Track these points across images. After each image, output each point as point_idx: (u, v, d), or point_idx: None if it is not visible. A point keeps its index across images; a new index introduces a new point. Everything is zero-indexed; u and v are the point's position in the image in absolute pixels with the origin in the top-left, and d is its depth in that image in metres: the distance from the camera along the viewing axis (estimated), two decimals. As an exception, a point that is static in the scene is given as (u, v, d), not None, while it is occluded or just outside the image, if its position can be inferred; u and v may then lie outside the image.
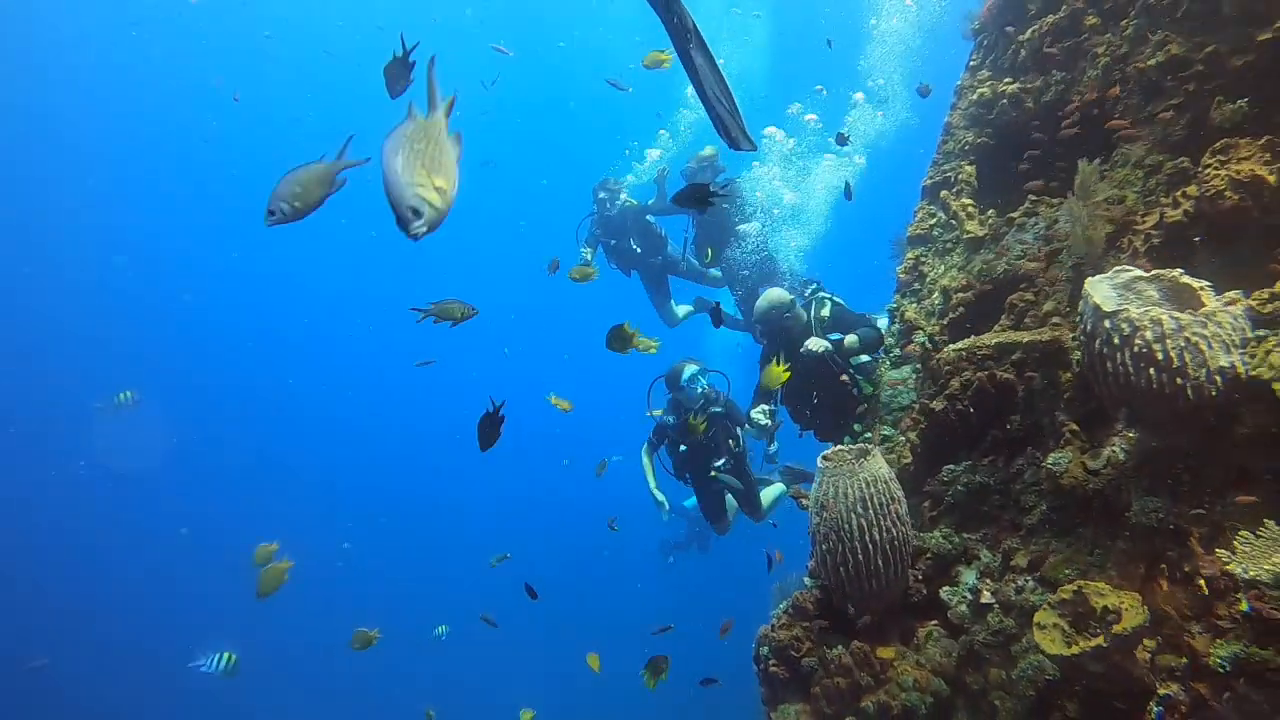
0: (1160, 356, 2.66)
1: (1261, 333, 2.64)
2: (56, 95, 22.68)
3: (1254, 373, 2.55)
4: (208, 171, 26.23)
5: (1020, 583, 3.22)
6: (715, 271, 7.58)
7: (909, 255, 5.07)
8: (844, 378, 5.04)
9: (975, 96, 5.05)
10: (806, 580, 3.81)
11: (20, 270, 23.13)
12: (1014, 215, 4.41)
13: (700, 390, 5.88)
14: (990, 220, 4.59)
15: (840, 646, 3.42)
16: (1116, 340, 2.77)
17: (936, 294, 4.68)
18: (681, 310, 8.03)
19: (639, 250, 7.35)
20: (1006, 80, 4.87)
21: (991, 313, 4.23)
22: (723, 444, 6.06)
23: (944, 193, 4.99)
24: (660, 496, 6.12)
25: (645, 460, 6.16)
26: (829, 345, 5.17)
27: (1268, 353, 2.54)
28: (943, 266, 4.83)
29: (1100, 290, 2.97)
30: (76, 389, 21.32)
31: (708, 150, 7.21)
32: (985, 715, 3.12)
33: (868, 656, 3.35)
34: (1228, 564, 2.30)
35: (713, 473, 6.02)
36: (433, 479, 23.60)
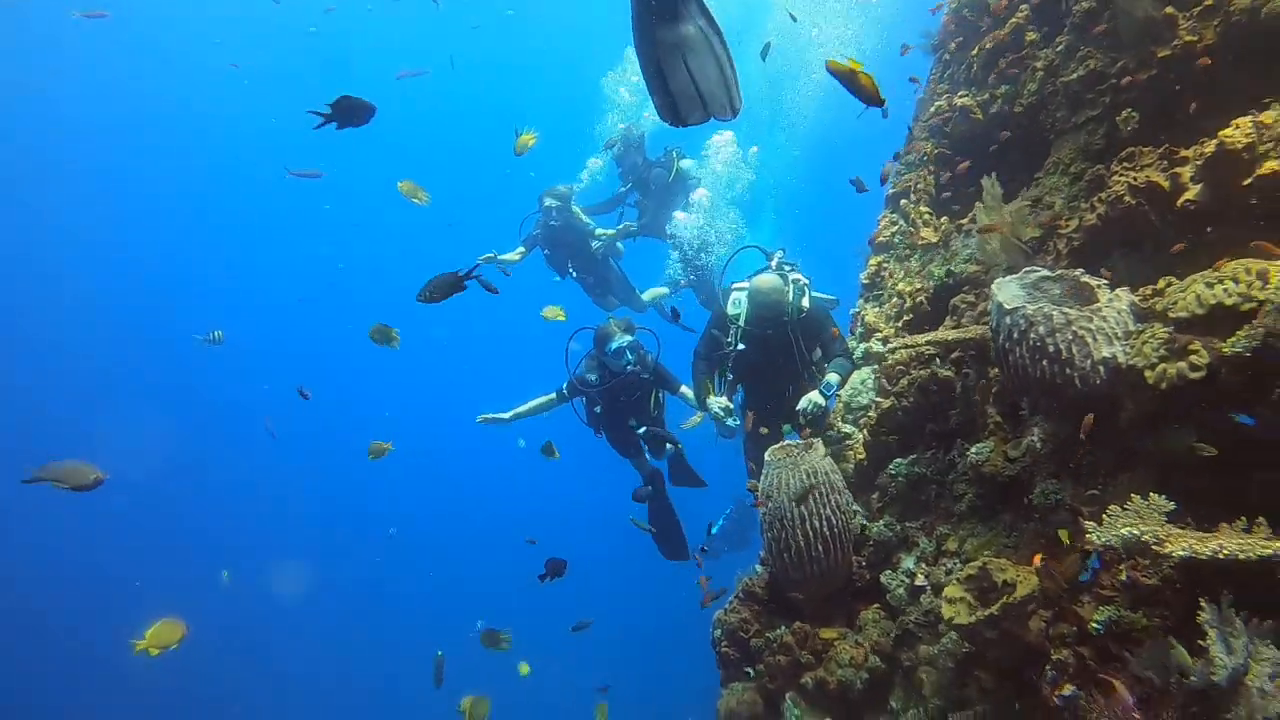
0: (1051, 349, 2.91)
1: (1142, 326, 2.86)
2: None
3: (1131, 362, 2.77)
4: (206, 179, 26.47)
5: (950, 566, 3.45)
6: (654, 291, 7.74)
7: (871, 261, 5.32)
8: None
9: (933, 109, 5.30)
10: (758, 567, 4.06)
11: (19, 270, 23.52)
12: (963, 222, 4.64)
13: (626, 363, 5.52)
14: (944, 227, 4.83)
15: (784, 627, 3.67)
16: (1015, 335, 3.02)
17: (894, 298, 4.93)
18: (650, 295, 7.88)
19: (573, 272, 7.40)
20: (960, 93, 5.11)
21: (942, 315, 4.47)
22: (645, 410, 5.82)
23: (904, 201, 5.23)
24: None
25: (540, 399, 5.86)
26: (823, 401, 4.71)
27: (1144, 343, 2.76)
28: (902, 272, 5.07)
29: (1006, 289, 3.22)
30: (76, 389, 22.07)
31: (623, 126, 7.39)
32: (916, 688, 3.36)
33: (809, 636, 3.60)
34: (1089, 534, 2.52)
35: (642, 435, 5.79)
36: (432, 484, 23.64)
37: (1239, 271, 2.64)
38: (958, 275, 4.36)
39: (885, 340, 4.60)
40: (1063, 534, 2.88)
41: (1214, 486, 2.61)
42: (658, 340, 5.80)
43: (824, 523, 3.62)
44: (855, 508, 4.13)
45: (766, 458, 3.83)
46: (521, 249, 7.23)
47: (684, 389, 5.65)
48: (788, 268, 5.06)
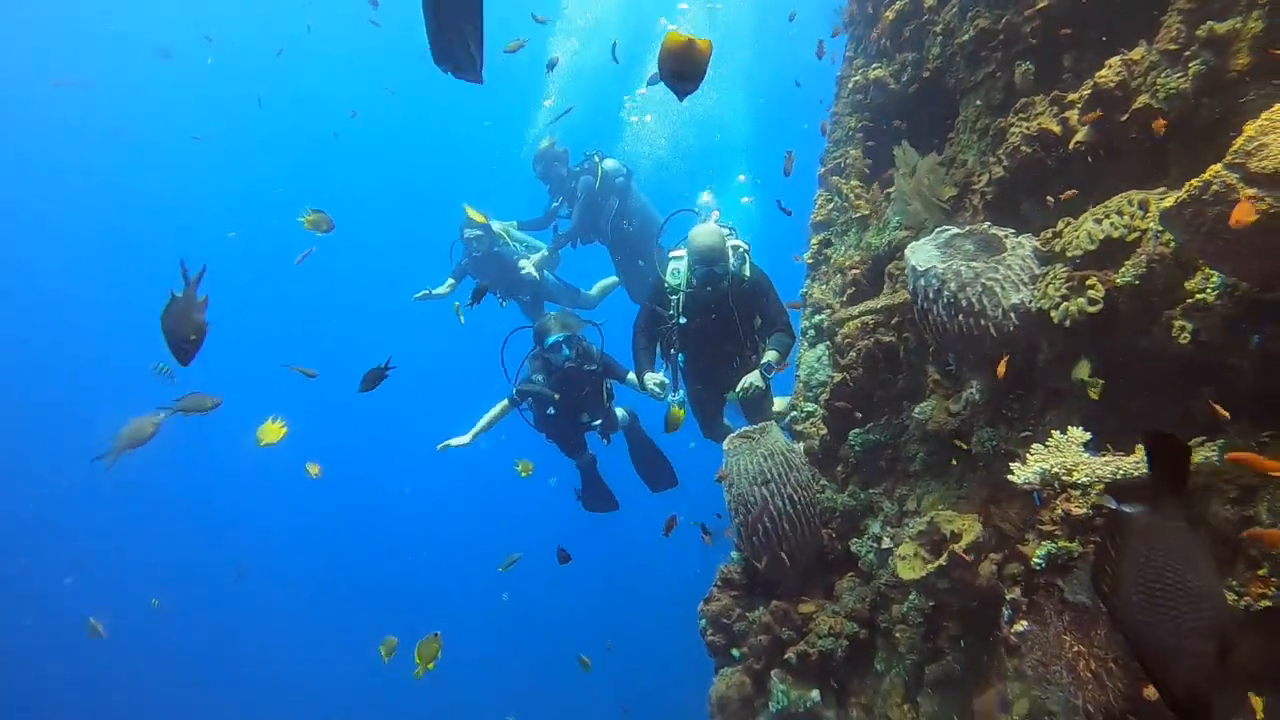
0: (964, 303, 3.02)
1: (1045, 269, 2.97)
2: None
3: (1038, 305, 2.88)
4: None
5: (911, 524, 3.55)
6: (589, 291, 7.71)
7: (813, 241, 5.44)
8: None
9: (851, 85, 5.43)
10: (733, 554, 4.17)
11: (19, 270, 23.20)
12: (890, 190, 4.76)
13: (565, 358, 5.34)
14: (874, 198, 4.95)
15: (761, 608, 3.77)
16: (930, 295, 3.13)
17: (837, 274, 5.04)
18: (598, 288, 7.83)
19: (502, 302, 7.38)
20: (874, 66, 5.23)
21: (881, 284, 4.58)
22: (599, 403, 5.66)
23: (835, 178, 5.35)
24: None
25: (494, 411, 5.61)
26: (761, 383, 4.50)
27: (1047, 285, 2.87)
28: (843, 247, 5.18)
29: (921, 252, 3.33)
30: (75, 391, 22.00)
31: (545, 142, 7.35)
32: (893, 647, 3.46)
33: (788, 613, 3.70)
34: (1011, 474, 2.63)
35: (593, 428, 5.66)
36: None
37: (1122, 205, 2.76)
38: (891, 244, 4.48)
39: (831, 314, 4.70)
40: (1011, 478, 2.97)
41: (1148, 407, 2.71)
42: (600, 332, 5.72)
43: (786, 501, 3.72)
44: (823, 482, 4.25)
45: (725, 446, 3.93)
46: (451, 281, 7.25)
47: (630, 375, 5.41)
48: (727, 231, 4.80)
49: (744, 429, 4.00)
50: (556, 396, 5.42)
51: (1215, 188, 2.04)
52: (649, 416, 5.95)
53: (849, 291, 4.81)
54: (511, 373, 5.61)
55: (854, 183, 5.19)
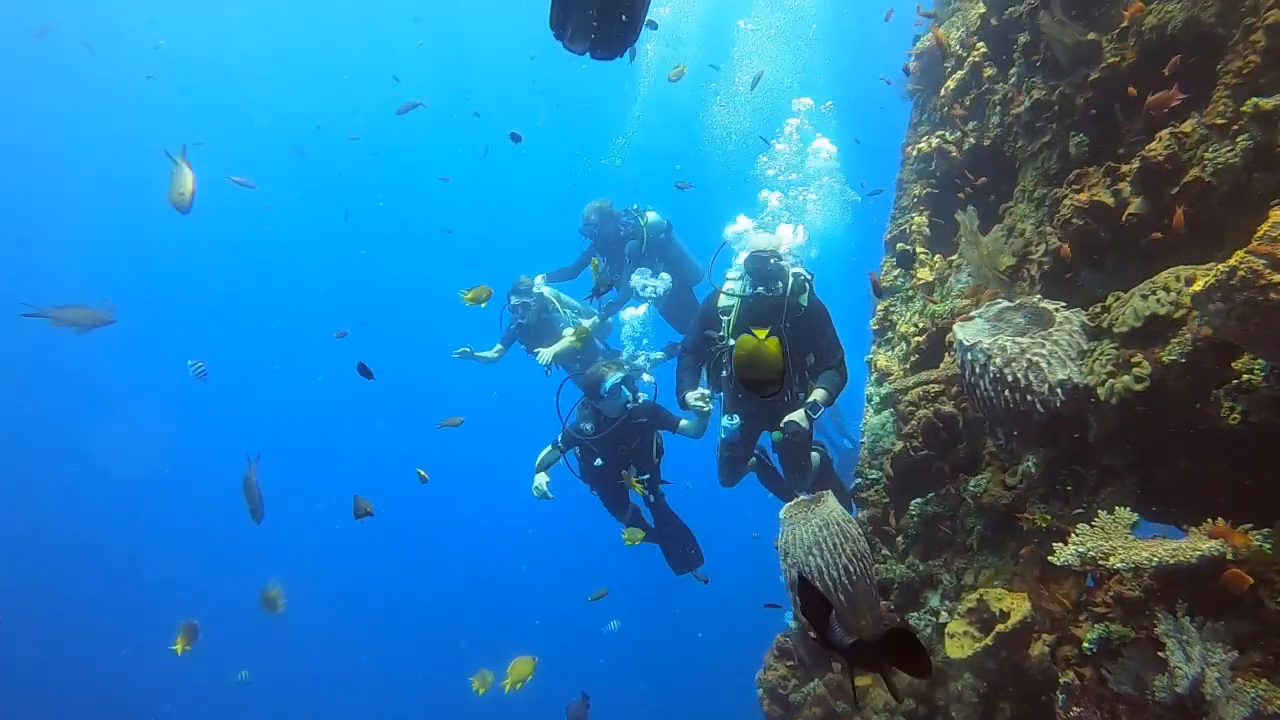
0: (1010, 378, 3.02)
1: (1093, 344, 2.94)
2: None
3: (1085, 381, 2.86)
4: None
5: (963, 600, 3.49)
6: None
7: (879, 307, 5.45)
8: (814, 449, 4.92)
9: (916, 152, 5.48)
10: (791, 623, 4.15)
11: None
12: (954, 258, 4.76)
13: (625, 402, 5.07)
14: (938, 265, 4.95)
15: (817, 679, 3.74)
16: (978, 369, 3.14)
17: (900, 341, 5.04)
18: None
19: (547, 370, 6.75)
20: (938, 134, 5.28)
21: (943, 352, 4.56)
22: (647, 457, 5.34)
23: (900, 245, 5.38)
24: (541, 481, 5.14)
25: (542, 454, 5.29)
26: (805, 423, 4.26)
27: (1094, 361, 2.85)
28: (907, 314, 5.18)
29: (969, 326, 3.35)
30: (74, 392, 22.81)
31: (602, 203, 7.02)
32: (950, 727, 3.37)
33: (842, 686, 3.66)
34: (1053, 555, 2.58)
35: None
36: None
37: (1169, 280, 2.73)
38: (953, 311, 4.47)
39: (897, 382, 4.70)
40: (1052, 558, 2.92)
41: (1200, 485, 2.65)
42: (655, 384, 5.48)
43: (841, 571, 3.70)
44: (884, 552, 4.21)
45: (781, 515, 3.96)
46: (500, 347, 7.11)
47: (683, 423, 5.16)
48: (789, 260, 4.56)
49: (801, 497, 4.02)
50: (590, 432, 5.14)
51: (1242, 273, 2.04)
52: (688, 448, 5.68)
53: (912, 359, 4.80)
54: (567, 420, 5.33)
55: (919, 249, 5.21)
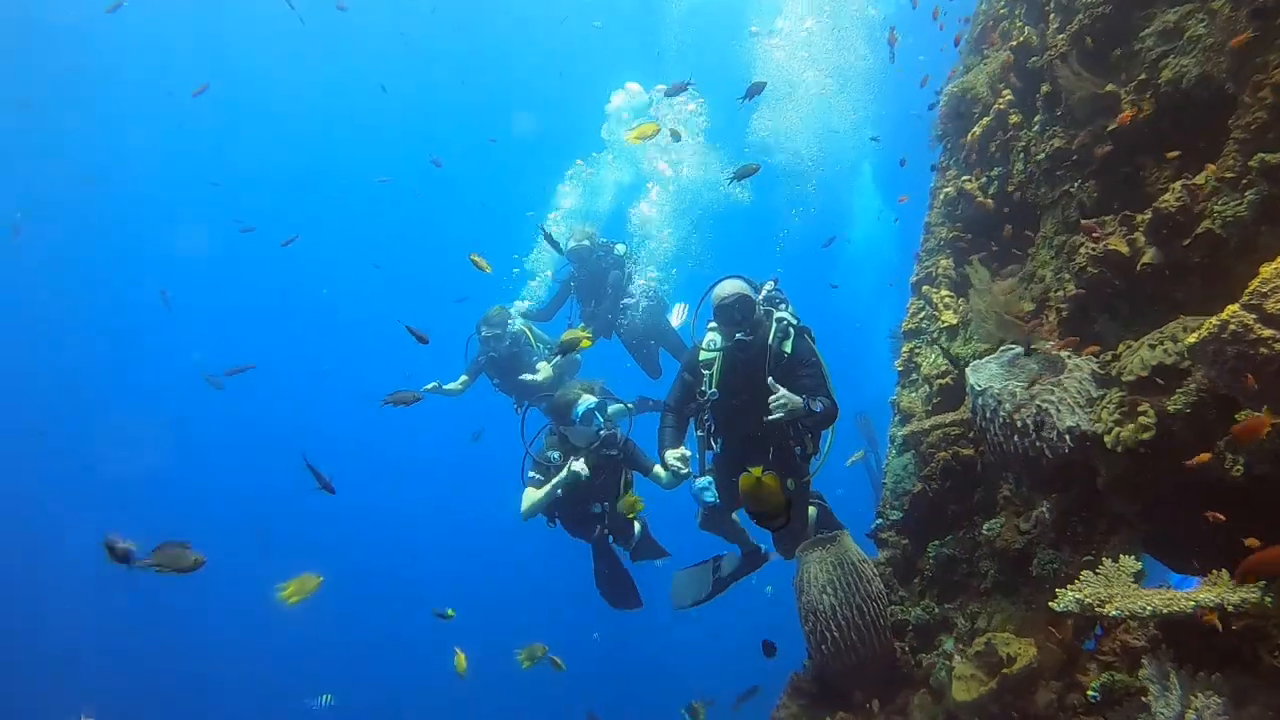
0: (1019, 424, 3.05)
1: (1102, 391, 2.97)
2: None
3: (1093, 429, 2.88)
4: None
5: (973, 644, 3.49)
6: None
7: (904, 348, 5.48)
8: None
9: (943, 196, 5.55)
10: (806, 662, 4.16)
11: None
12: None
13: (599, 429, 4.68)
14: (962, 308, 4.99)
15: (828, 717, 3.75)
16: (988, 414, 3.18)
17: (924, 384, 5.06)
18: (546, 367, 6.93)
19: (518, 407, 6.75)
20: (964, 178, 5.34)
21: (963, 394, 4.58)
22: (614, 493, 4.95)
23: (926, 287, 5.42)
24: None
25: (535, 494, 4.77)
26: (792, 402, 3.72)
27: (1102, 409, 2.87)
28: (932, 356, 5.20)
29: (982, 370, 3.39)
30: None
31: (587, 237, 6.98)
32: (962, 773, 3.36)
33: (855, 727, 3.67)
34: (1053, 602, 2.60)
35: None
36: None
37: (1176, 330, 2.76)
38: (976, 354, 4.50)
39: (919, 423, 4.73)
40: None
41: (1206, 534, 2.64)
42: (630, 418, 5.17)
43: (855, 612, 3.74)
44: (901, 594, 4.22)
45: (797, 553, 4.01)
46: (465, 378, 6.89)
47: (657, 468, 4.61)
48: (778, 301, 4.29)
49: (818, 536, 4.07)
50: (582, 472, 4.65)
51: (1233, 326, 2.08)
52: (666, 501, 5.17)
53: (935, 401, 4.83)
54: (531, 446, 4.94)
55: (944, 292, 5.25)
